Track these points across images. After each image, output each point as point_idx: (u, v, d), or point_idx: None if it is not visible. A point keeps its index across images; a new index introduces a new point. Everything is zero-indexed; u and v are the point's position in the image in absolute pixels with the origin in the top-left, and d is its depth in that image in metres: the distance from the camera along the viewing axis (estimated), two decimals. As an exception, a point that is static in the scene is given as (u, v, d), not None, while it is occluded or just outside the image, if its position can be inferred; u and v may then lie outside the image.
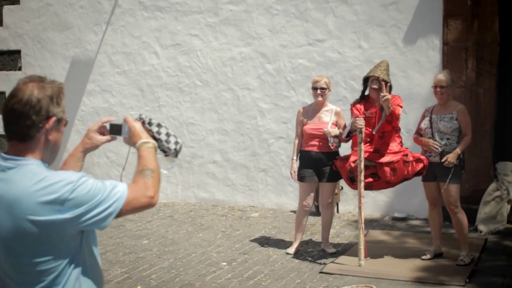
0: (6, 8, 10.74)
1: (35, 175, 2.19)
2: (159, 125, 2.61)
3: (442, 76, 6.52)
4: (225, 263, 6.74)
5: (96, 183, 2.23)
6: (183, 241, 7.65)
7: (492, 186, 7.97)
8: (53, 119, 2.27)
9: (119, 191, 2.26)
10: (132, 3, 9.91)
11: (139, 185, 2.34)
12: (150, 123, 2.60)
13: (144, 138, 2.53)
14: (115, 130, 2.62)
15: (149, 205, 2.34)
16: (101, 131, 2.64)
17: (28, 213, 2.15)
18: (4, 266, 2.25)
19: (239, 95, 9.43)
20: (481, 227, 7.79)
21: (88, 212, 2.19)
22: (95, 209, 2.20)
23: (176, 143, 2.65)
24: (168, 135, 2.62)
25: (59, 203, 2.15)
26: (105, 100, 10.21)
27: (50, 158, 2.34)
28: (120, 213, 2.27)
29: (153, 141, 2.54)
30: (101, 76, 10.21)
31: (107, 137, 2.64)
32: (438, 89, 6.49)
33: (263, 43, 9.25)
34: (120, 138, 2.65)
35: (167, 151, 2.64)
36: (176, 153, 2.66)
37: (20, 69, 10.74)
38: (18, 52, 10.75)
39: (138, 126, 2.56)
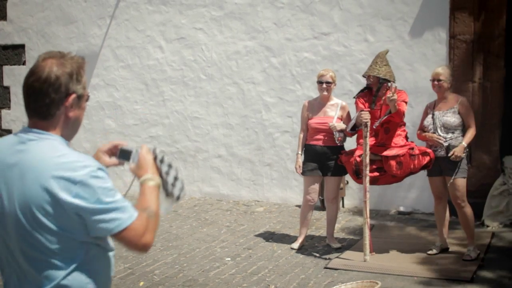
0: (10, 2, 10.70)
1: (56, 150, 2.19)
2: (169, 166, 2.53)
3: (440, 69, 6.49)
4: (229, 259, 6.70)
5: (112, 188, 2.19)
6: (187, 236, 7.61)
7: (499, 180, 7.92)
8: (73, 96, 2.24)
9: (130, 212, 2.22)
10: (136, -4, 9.86)
11: (143, 221, 2.26)
12: (162, 161, 2.52)
13: (150, 173, 2.43)
14: (124, 155, 2.53)
15: (142, 250, 2.32)
16: (112, 151, 2.56)
17: (43, 182, 2.13)
18: (16, 249, 2.21)
19: (244, 89, 9.37)
20: (488, 222, 7.73)
21: (94, 211, 2.15)
22: (100, 212, 2.16)
23: (181, 189, 2.57)
24: (175, 179, 2.54)
25: (72, 182, 2.12)
26: (109, 94, 10.17)
27: (71, 134, 2.32)
28: (117, 234, 2.24)
29: (158, 179, 2.45)
30: (105, 70, 10.17)
31: (115, 161, 2.56)
32: (436, 82, 6.46)
33: (268, 37, 9.18)
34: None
35: (169, 194, 2.55)
36: (178, 198, 2.57)
37: (24, 63, 10.70)
38: (22, 46, 10.71)
39: (148, 159, 2.47)
